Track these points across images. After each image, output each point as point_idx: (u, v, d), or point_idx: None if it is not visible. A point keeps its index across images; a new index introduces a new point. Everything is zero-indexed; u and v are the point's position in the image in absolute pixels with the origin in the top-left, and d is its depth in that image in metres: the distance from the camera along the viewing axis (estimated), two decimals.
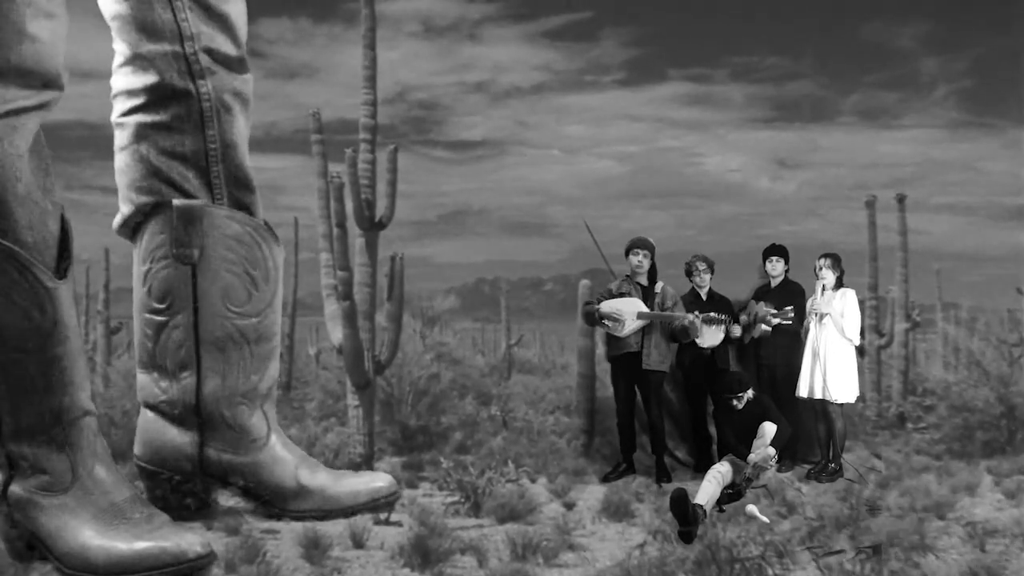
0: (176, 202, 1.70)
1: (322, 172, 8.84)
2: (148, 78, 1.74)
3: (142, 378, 1.78)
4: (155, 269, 1.71)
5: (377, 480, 1.93)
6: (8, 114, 1.38)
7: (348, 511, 1.87)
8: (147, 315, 1.72)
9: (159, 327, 1.71)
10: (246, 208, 1.79)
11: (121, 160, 1.77)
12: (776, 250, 7.03)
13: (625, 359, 6.60)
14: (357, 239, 8.59)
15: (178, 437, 1.77)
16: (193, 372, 1.71)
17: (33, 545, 1.46)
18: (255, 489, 1.86)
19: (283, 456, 1.87)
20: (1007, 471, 7.00)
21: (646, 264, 6.69)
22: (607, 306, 6.63)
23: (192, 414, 1.74)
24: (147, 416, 1.79)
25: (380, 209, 8.66)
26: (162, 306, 1.71)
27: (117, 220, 1.77)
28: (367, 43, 8.61)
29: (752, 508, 4.70)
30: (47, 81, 1.44)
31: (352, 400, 8.39)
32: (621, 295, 6.65)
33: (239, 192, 1.78)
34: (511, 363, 20.63)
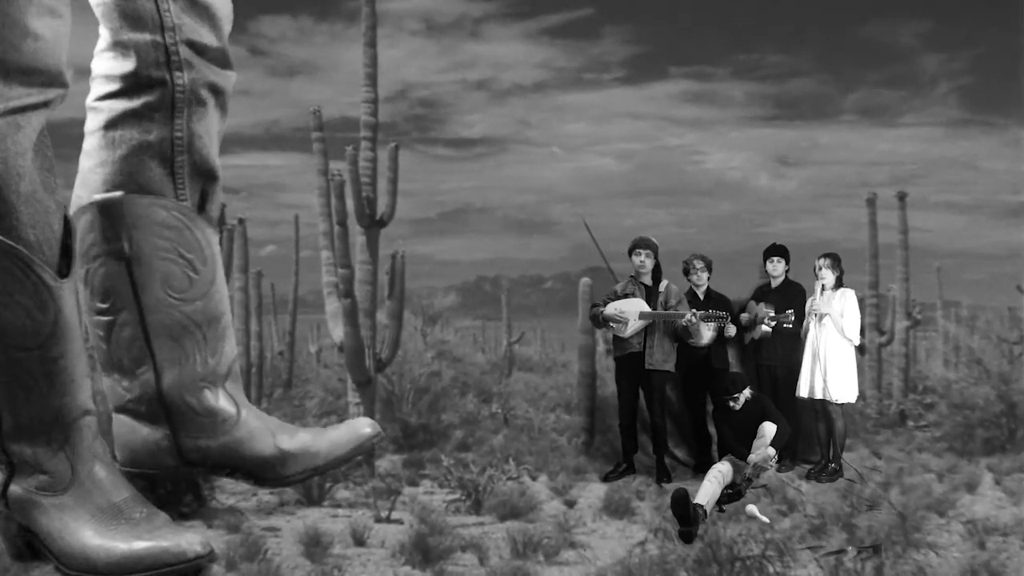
0: (96, 198, 1.70)
1: (323, 170, 8.84)
2: (126, 65, 1.73)
3: (106, 382, 1.78)
4: (93, 269, 1.70)
5: (358, 426, 1.93)
6: (10, 112, 1.38)
7: (336, 462, 1.86)
8: (95, 317, 1.71)
9: (108, 327, 1.70)
10: (206, 195, 1.79)
11: (87, 144, 1.76)
12: (777, 250, 7.01)
13: (628, 359, 6.60)
14: (358, 237, 8.60)
15: (151, 434, 1.76)
16: (149, 366, 1.71)
17: (33, 545, 1.46)
18: (240, 467, 1.85)
19: (258, 427, 1.86)
20: (1007, 469, 7.00)
21: (649, 264, 6.68)
22: (611, 307, 6.64)
23: (157, 408, 1.73)
24: (119, 420, 1.79)
25: (381, 207, 8.67)
26: (105, 305, 1.70)
27: (73, 206, 1.76)
28: (368, 41, 8.61)
29: (752, 508, 4.70)
30: (50, 79, 1.44)
31: (353, 398, 8.40)
32: (626, 296, 6.66)
33: (202, 180, 1.78)
34: (512, 361, 20.64)
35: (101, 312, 1.71)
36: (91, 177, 1.79)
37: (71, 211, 1.83)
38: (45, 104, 1.46)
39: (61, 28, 1.46)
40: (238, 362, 1.89)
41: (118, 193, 1.68)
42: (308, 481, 2.29)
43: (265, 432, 1.81)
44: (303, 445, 1.83)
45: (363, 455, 1.94)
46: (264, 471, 1.82)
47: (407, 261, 8.78)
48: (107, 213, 1.67)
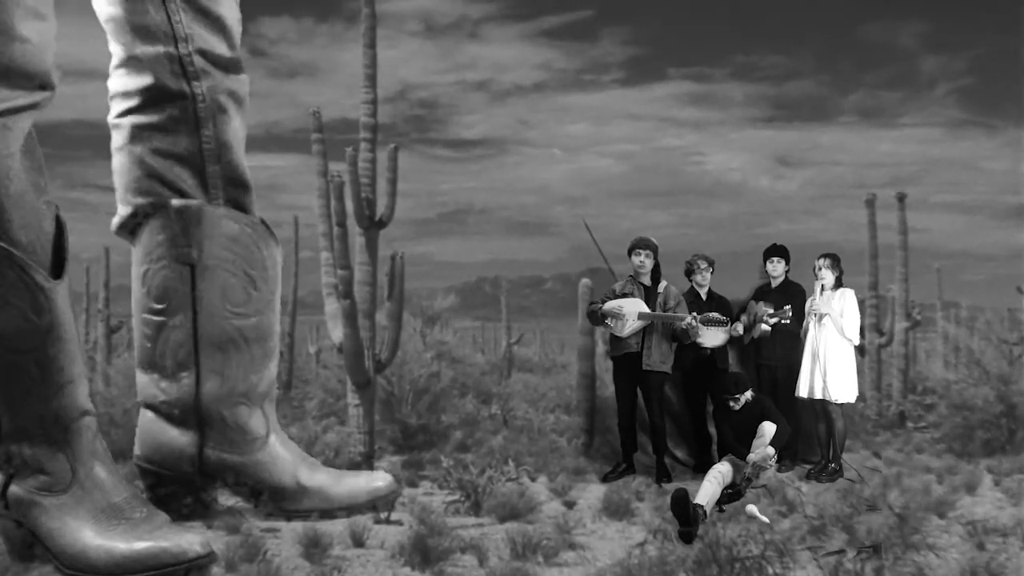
0: (174, 202, 1.70)
1: (322, 171, 8.84)
2: (142, 80, 1.74)
3: (142, 378, 1.78)
4: (153, 270, 1.71)
5: (376, 480, 1.94)
6: None
7: (348, 510, 1.87)
8: (146, 315, 1.72)
9: (158, 327, 1.71)
10: (242, 207, 1.79)
11: (117, 161, 1.77)
12: (777, 251, 7.03)
13: (626, 359, 6.60)
14: (357, 238, 8.60)
15: (178, 438, 1.77)
16: (192, 372, 1.71)
17: (33, 545, 1.46)
18: (255, 488, 1.86)
19: (282, 456, 1.87)
20: (1007, 470, 7.00)
21: (648, 264, 6.68)
22: (609, 306, 6.64)
23: (191, 414, 1.74)
24: (147, 416, 1.79)
25: (380, 208, 8.67)
26: (161, 307, 1.71)
27: (115, 221, 1.77)
28: (367, 42, 8.61)
29: (752, 508, 4.70)
30: (38, 81, 1.44)
31: (352, 399, 8.40)
32: (625, 295, 6.66)
33: (235, 191, 1.79)
34: (511, 362, 20.66)
35: (154, 312, 1.71)
36: (127, 195, 1.78)
37: (113, 228, 1.82)
38: (33, 106, 1.46)
39: (47, 31, 1.46)
40: (276, 384, 1.90)
41: (196, 200, 1.69)
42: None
43: (288, 462, 1.81)
44: (321, 485, 1.83)
45: (375, 510, 1.93)
46: (278, 499, 1.82)
47: (407, 262, 8.79)
48: (181, 219, 1.67)
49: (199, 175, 1.72)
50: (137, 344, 1.76)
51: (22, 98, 1.41)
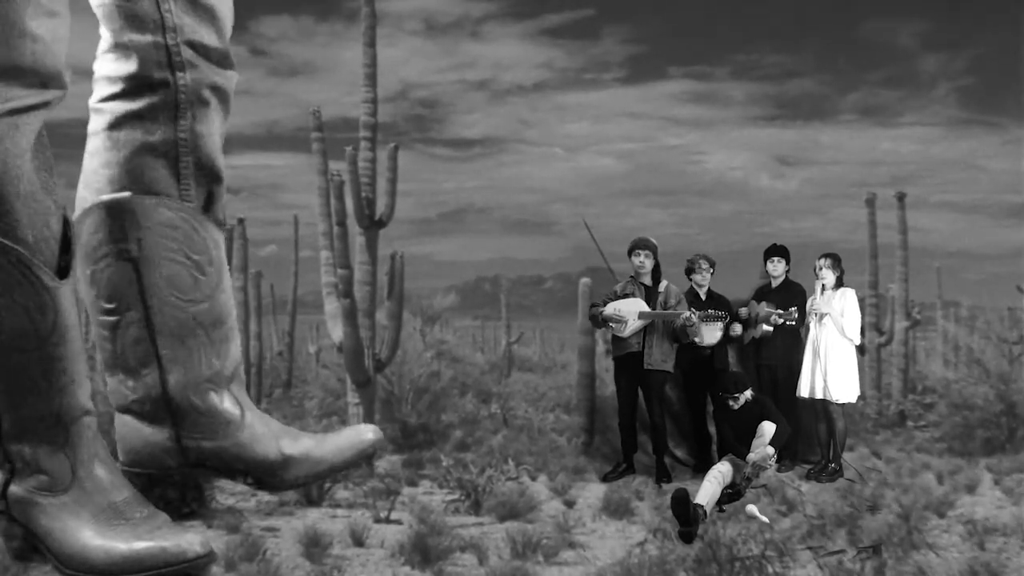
0: (104, 198, 1.69)
1: (323, 170, 8.85)
2: (128, 67, 1.73)
3: (110, 382, 1.78)
4: (98, 270, 1.70)
5: (361, 432, 1.93)
6: (9, 113, 1.37)
7: (338, 468, 1.87)
8: (100, 317, 1.71)
9: (113, 328, 1.70)
10: (211, 196, 1.79)
11: (91, 145, 1.76)
12: (777, 251, 7.02)
13: (627, 359, 6.60)
14: (357, 237, 8.60)
15: (154, 435, 1.76)
16: (155, 367, 1.71)
17: (33, 545, 1.46)
18: (242, 470, 1.85)
19: (262, 431, 1.86)
20: (1007, 469, 7.01)
21: (648, 264, 6.69)
22: (610, 308, 6.64)
23: (162, 408, 1.73)
24: (122, 420, 1.78)
25: (380, 207, 8.67)
26: (112, 306, 1.70)
27: (77, 205, 1.75)
28: (368, 41, 8.62)
29: (752, 508, 4.70)
30: (48, 80, 1.43)
31: (352, 398, 8.41)
32: (625, 296, 6.66)
33: (207, 182, 1.78)
34: (511, 361, 20.67)
35: (107, 312, 1.71)
36: (95, 178, 1.78)
37: (75, 212, 1.82)
38: (44, 105, 1.45)
39: (59, 29, 1.46)
40: (242, 365, 1.89)
41: (125, 194, 1.68)
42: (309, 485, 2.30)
43: (269, 436, 1.81)
44: (306, 450, 1.82)
45: (365, 461, 1.94)
46: (266, 475, 1.81)
47: (407, 261, 8.79)
48: (114, 213, 1.67)
49: (172, 165, 1.71)
50: (99, 349, 1.75)
51: (33, 97, 1.40)
